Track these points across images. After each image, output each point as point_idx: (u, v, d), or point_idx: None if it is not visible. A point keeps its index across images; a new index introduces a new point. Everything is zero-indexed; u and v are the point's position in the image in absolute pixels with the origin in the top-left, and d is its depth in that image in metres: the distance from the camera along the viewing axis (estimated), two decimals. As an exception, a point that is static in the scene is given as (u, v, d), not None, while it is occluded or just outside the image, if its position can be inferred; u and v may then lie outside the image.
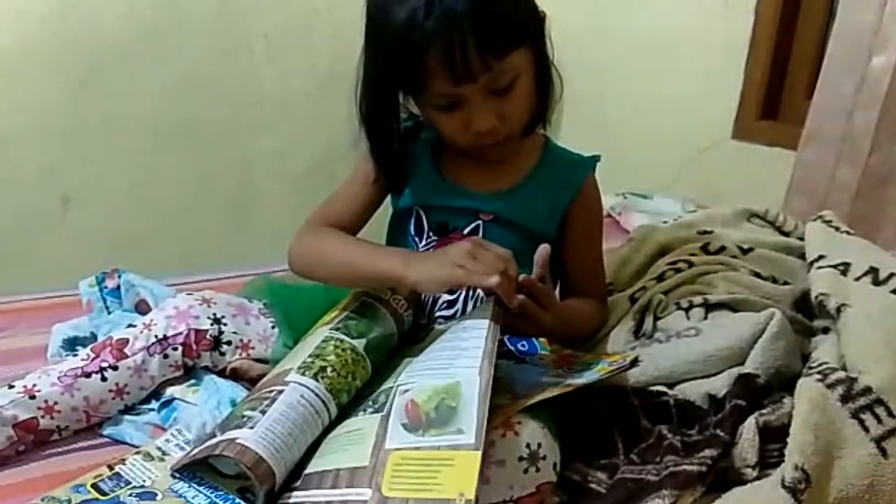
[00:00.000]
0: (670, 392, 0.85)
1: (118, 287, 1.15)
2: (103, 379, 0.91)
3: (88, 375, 0.91)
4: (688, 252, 1.13)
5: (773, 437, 0.76)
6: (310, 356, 0.82)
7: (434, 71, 0.81)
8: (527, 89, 0.88)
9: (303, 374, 0.79)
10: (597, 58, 1.99)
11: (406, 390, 0.73)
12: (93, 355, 0.93)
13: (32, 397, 0.87)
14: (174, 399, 0.94)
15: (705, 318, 0.97)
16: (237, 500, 0.72)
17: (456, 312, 0.95)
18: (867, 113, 1.40)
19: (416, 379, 0.74)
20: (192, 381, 0.96)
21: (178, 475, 0.76)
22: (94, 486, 0.77)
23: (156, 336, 0.94)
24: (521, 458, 0.70)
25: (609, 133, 2.02)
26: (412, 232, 0.98)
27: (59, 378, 0.90)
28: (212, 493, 0.73)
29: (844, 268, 0.99)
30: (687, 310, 0.98)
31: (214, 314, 0.98)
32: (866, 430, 0.75)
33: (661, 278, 1.07)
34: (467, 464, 0.63)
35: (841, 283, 0.96)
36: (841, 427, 0.75)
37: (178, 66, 2.15)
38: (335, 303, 0.93)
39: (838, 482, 0.73)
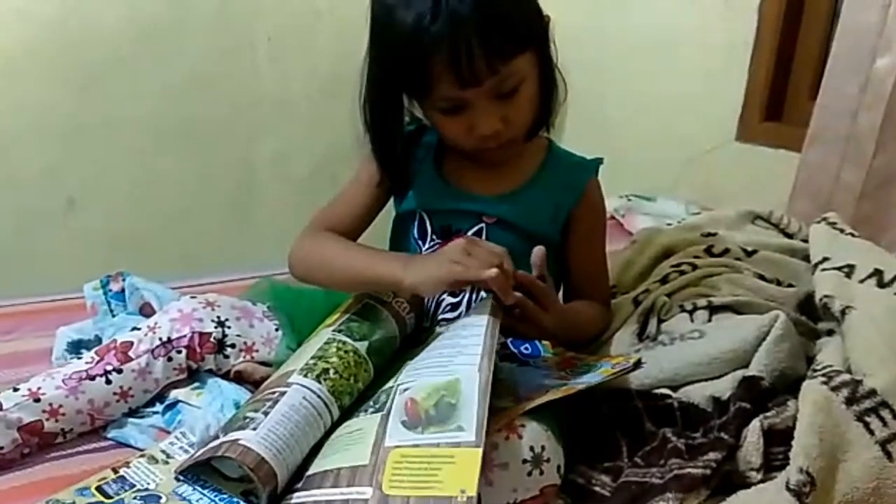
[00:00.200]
0: (674, 395, 0.85)
1: (122, 290, 1.16)
2: (108, 382, 0.91)
3: (93, 378, 0.91)
4: (692, 254, 1.13)
5: (778, 440, 0.76)
6: (312, 358, 0.82)
7: (440, 74, 0.81)
8: (531, 93, 0.88)
9: (305, 375, 0.79)
10: (599, 59, 1.99)
11: (406, 388, 0.73)
12: (97, 358, 0.93)
13: (37, 400, 0.88)
14: (178, 402, 0.94)
15: (709, 320, 0.96)
16: (241, 503, 0.72)
17: (459, 315, 0.95)
18: (871, 114, 1.40)
19: (415, 377, 0.74)
20: (196, 384, 0.96)
21: (181, 478, 0.76)
22: (98, 489, 0.77)
23: (160, 339, 0.94)
24: (524, 461, 0.70)
25: (612, 135, 2.02)
26: (415, 235, 0.98)
27: (63, 381, 0.90)
28: (216, 495, 0.73)
29: (849, 270, 0.99)
30: (691, 312, 0.98)
31: (218, 317, 0.98)
32: (871, 432, 0.75)
33: (664, 281, 1.07)
34: (468, 461, 0.63)
35: (845, 286, 0.96)
36: (846, 430, 0.74)
37: (179, 68, 2.16)
38: (338, 305, 0.94)
39: (843, 485, 0.72)
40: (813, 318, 0.98)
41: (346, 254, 0.93)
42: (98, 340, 1.05)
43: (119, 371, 0.92)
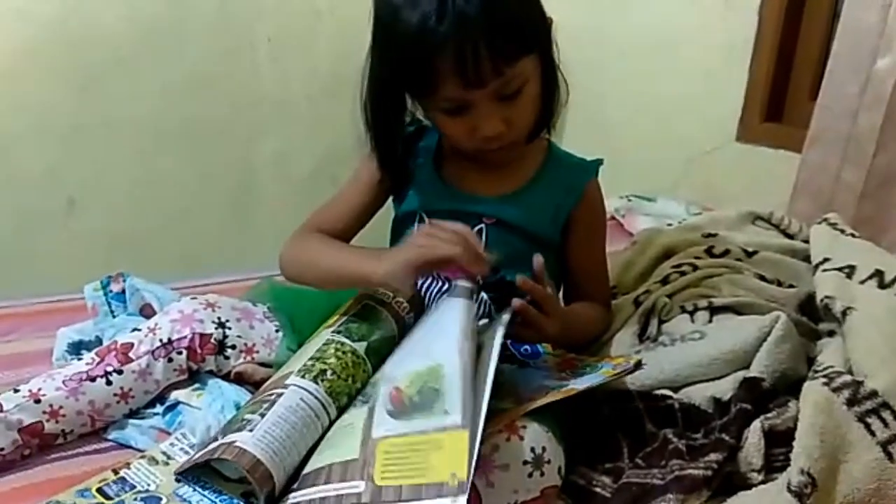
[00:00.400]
0: (675, 396, 0.85)
1: (123, 291, 1.15)
2: (108, 383, 0.91)
3: (93, 379, 0.91)
4: (692, 255, 1.13)
5: (779, 441, 0.76)
6: (310, 359, 0.82)
7: (444, 75, 0.81)
8: (534, 95, 0.88)
9: (303, 376, 0.79)
10: (599, 59, 1.99)
11: (389, 378, 0.73)
12: (98, 359, 0.93)
13: (38, 401, 0.87)
14: (179, 403, 0.94)
15: (710, 321, 0.97)
16: (241, 504, 0.72)
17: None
18: (872, 114, 1.40)
19: (398, 366, 0.75)
20: (197, 385, 0.96)
21: (181, 479, 0.76)
22: (99, 490, 0.77)
23: (160, 340, 0.94)
24: (525, 462, 0.70)
25: (612, 135, 2.02)
26: (415, 236, 0.98)
27: (64, 382, 0.90)
28: (216, 496, 0.73)
29: (850, 271, 0.99)
30: (692, 313, 0.98)
31: (219, 318, 0.98)
32: (872, 433, 0.75)
33: (665, 281, 1.07)
34: (456, 444, 0.63)
35: (846, 286, 0.96)
36: (847, 431, 0.75)
37: (180, 68, 2.16)
38: (338, 306, 0.94)
39: (844, 486, 0.73)
40: (814, 318, 0.98)
41: (329, 252, 0.94)
42: (98, 341, 1.05)
43: (119, 372, 0.92)
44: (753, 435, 0.76)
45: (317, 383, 0.78)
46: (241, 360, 0.98)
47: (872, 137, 1.40)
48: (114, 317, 1.13)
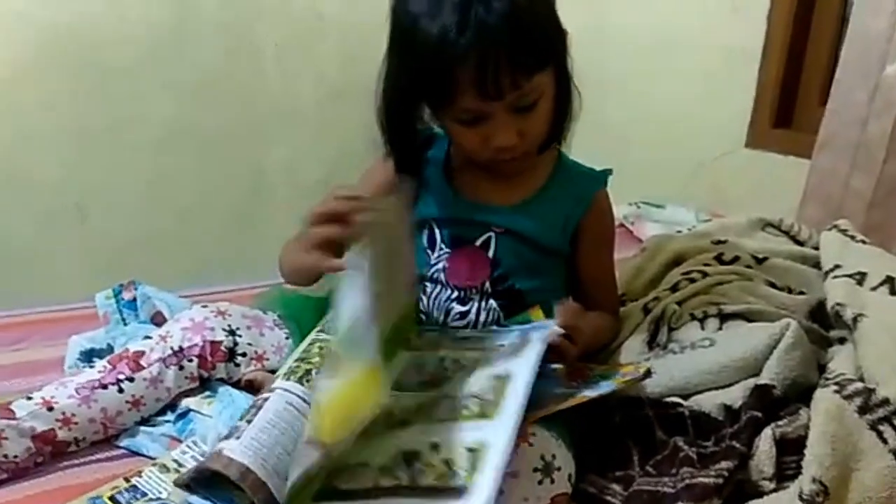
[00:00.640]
0: (685, 403, 0.85)
1: (134, 299, 1.16)
2: (120, 391, 0.92)
3: (105, 387, 0.91)
4: (702, 262, 1.13)
5: (790, 449, 0.76)
6: (295, 361, 0.82)
7: (463, 86, 0.81)
8: (548, 107, 0.88)
9: (287, 379, 0.79)
10: (607, 65, 1.99)
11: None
12: (109, 367, 0.93)
13: (50, 409, 0.88)
14: (190, 411, 0.95)
15: (720, 328, 0.96)
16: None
17: (468, 323, 0.95)
18: (881, 121, 1.39)
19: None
20: (208, 393, 0.96)
21: (190, 489, 0.76)
22: (110, 497, 0.78)
23: (171, 348, 0.95)
24: (535, 470, 0.70)
25: (621, 141, 2.02)
26: (425, 245, 0.98)
27: (76, 390, 0.90)
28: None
29: (860, 277, 0.99)
30: (701, 320, 0.98)
31: (229, 326, 0.98)
32: (884, 441, 0.74)
33: (675, 288, 1.07)
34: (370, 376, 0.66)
35: (857, 293, 0.96)
36: (858, 439, 0.74)
37: (188, 75, 2.17)
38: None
39: (856, 494, 0.72)
40: (824, 325, 0.98)
41: (293, 248, 0.90)
42: (110, 349, 1.06)
43: (131, 380, 0.92)
44: (764, 443, 0.76)
45: (302, 384, 0.78)
46: (252, 368, 0.98)
47: (882, 144, 1.39)
48: (125, 325, 1.14)
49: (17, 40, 1.94)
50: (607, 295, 1.03)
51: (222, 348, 0.97)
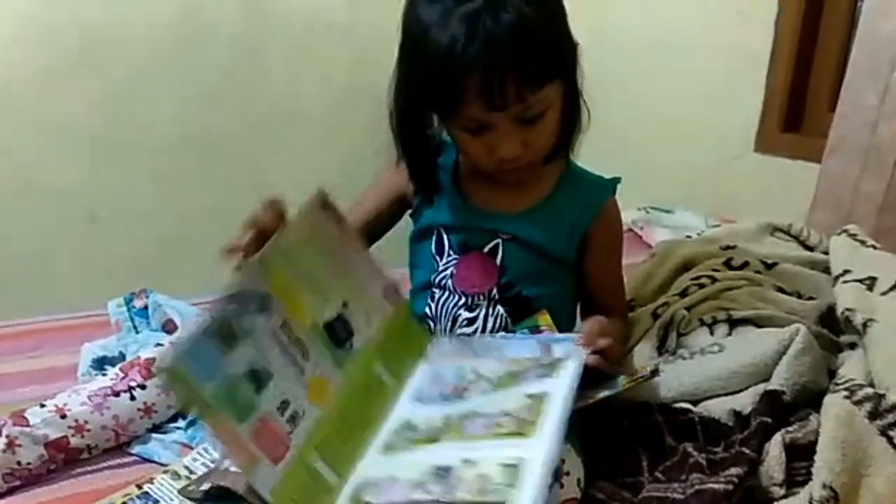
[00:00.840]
0: (695, 409, 0.85)
1: (146, 307, 1.17)
2: (132, 398, 0.93)
3: (117, 394, 0.92)
4: (711, 267, 1.13)
5: (801, 455, 0.75)
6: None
7: (469, 96, 0.82)
8: (554, 120, 0.88)
9: None
10: (614, 70, 1.99)
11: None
12: (121, 374, 0.94)
13: (63, 416, 0.89)
14: (201, 418, 0.95)
15: (729, 333, 0.96)
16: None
17: (476, 330, 0.95)
18: (892, 124, 1.39)
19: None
20: (219, 400, 0.97)
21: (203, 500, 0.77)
22: (123, 504, 0.78)
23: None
24: (544, 475, 0.70)
25: (629, 146, 2.02)
26: (433, 251, 0.99)
27: (88, 397, 0.91)
28: (239, 511, 0.74)
29: (870, 282, 0.99)
30: (711, 326, 0.98)
31: (240, 333, 0.99)
32: (895, 447, 0.74)
33: (684, 294, 1.07)
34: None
35: (867, 298, 0.95)
36: (869, 444, 0.74)
37: (197, 83, 2.19)
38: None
39: (867, 500, 0.72)
40: (834, 331, 0.97)
41: None
42: (122, 357, 1.07)
43: (143, 387, 0.93)
44: (774, 448, 0.76)
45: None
46: (262, 375, 0.99)
47: (893, 147, 1.39)
48: (137, 332, 1.14)
49: (28, 50, 1.96)
50: (616, 300, 1.03)
51: (233, 355, 0.97)
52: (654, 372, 0.85)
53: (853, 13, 1.61)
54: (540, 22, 0.81)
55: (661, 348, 0.98)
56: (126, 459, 0.92)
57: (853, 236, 1.13)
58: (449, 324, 0.96)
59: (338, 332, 0.80)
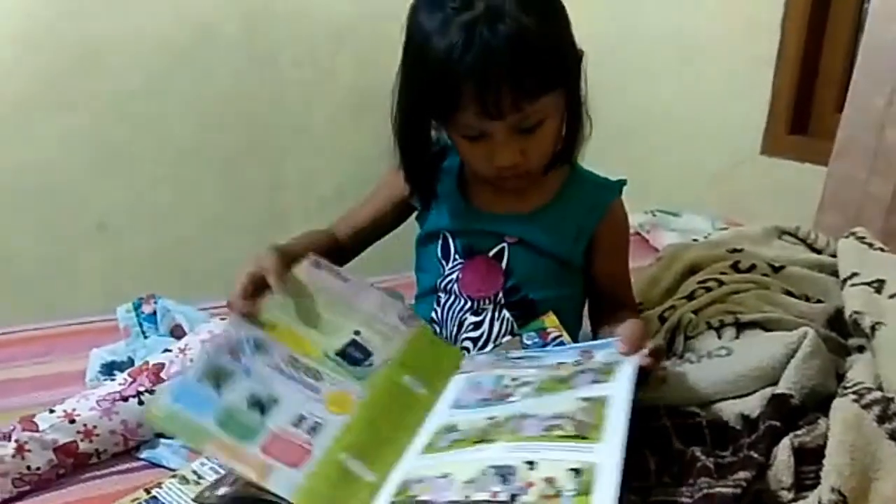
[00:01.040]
0: (702, 413, 0.85)
1: (154, 312, 1.18)
2: (140, 403, 0.93)
3: (126, 399, 0.93)
4: (718, 271, 1.13)
5: (809, 459, 0.75)
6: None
7: (465, 104, 0.82)
8: (553, 129, 0.88)
9: None
10: (621, 73, 1.99)
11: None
12: (130, 379, 0.95)
13: (72, 421, 0.89)
14: (209, 422, 0.95)
15: (737, 337, 0.96)
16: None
17: (482, 334, 0.96)
18: (899, 126, 1.38)
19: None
20: (226, 405, 0.97)
21: None
22: (131, 509, 0.78)
23: (191, 360, 0.96)
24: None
25: (635, 149, 2.02)
26: (439, 255, 0.99)
27: (97, 402, 0.92)
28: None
29: (879, 285, 0.98)
30: (718, 329, 0.97)
31: (247, 338, 0.99)
32: (904, 451, 0.74)
33: (691, 297, 1.07)
34: None
35: (875, 301, 0.95)
36: (877, 448, 0.73)
37: (205, 93, 2.20)
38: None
39: (876, 504, 0.71)
40: (843, 334, 0.97)
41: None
42: (130, 362, 1.07)
43: (151, 392, 0.94)
44: (783, 452, 0.75)
45: None
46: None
47: (900, 150, 1.38)
48: (145, 338, 1.15)
49: (37, 58, 1.98)
50: (627, 296, 1.04)
51: (240, 360, 0.98)
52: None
53: (859, 15, 1.61)
54: (540, 32, 0.81)
55: (669, 352, 0.97)
56: (135, 464, 0.93)
57: (861, 239, 1.12)
58: (455, 328, 0.97)
59: (353, 356, 0.83)
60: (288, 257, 0.86)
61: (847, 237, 1.14)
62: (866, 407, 0.77)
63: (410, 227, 1.06)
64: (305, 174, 2.41)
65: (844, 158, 1.48)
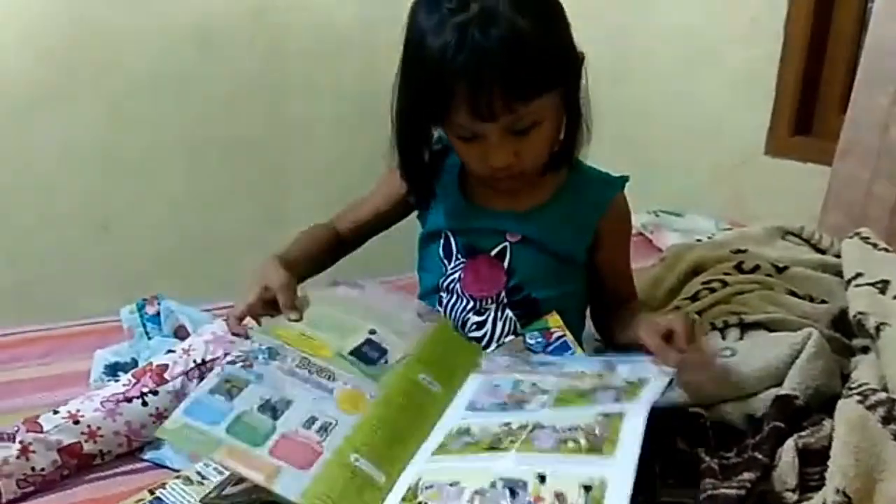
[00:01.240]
0: (707, 414, 0.85)
1: (158, 313, 1.18)
2: (144, 404, 0.93)
3: (130, 400, 0.93)
4: (722, 271, 1.12)
5: (814, 460, 0.75)
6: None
7: (457, 105, 0.82)
8: (548, 131, 0.88)
9: None
10: (625, 73, 1.99)
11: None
12: (134, 381, 0.95)
13: (76, 422, 0.89)
14: (212, 423, 0.95)
15: (741, 338, 0.96)
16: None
17: (485, 334, 0.96)
18: (903, 126, 1.38)
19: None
20: (230, 406, 0.97)
21: None
22: (135, 510, 0.78)
23: (194, 361, 0.96)
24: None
25: (638, 149, 2.02)
26: (441, 254, 0.99)
27: (101, 403, 0.92)
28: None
29: (883, 286, 0.98)
30: (722, 330, 0.97)
31: (251, 339, 0.99)
32: (909, 451, 0.73)
33: (695, 298, 1.07)
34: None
35: (880, 302, 0.95)
36: (882, 449, 0.73)
37: (211, 92, 2.20)
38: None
39: (881, 505, 0.71)
40: (847, 334, 0.97)
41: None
42: (134, 363, 1.07)
43: (155, 393, 0.94)
44: (787, 454, 0.75)
45: None
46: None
47: (904, 150, 1.38)
48: (149, 339, 1.15)
49: (42, 59, 1.98)
50: (630, 287, 1.04)
51: (244, 361, 0.98)
52: (670, 383, 0.85)
53: (863, 16, 1.61)
54: (534, 34, 0.80)
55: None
56: (139, 465, 0.93)
57: (865, 239, 1.12)
58: (458, 328, 0.96)
59: (368, 354, 0.83)
60: (293, 268, 0.89)
61: (851, 237, 1.14)
62: (871, 408, 0.77)
63: (412, 227, 1.06)
64: (310, 176, 2.41)
65: (848, 159, 1.48)
